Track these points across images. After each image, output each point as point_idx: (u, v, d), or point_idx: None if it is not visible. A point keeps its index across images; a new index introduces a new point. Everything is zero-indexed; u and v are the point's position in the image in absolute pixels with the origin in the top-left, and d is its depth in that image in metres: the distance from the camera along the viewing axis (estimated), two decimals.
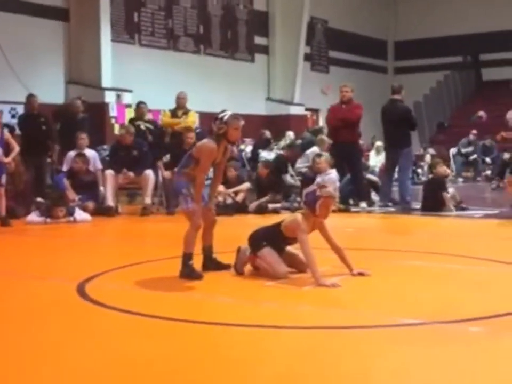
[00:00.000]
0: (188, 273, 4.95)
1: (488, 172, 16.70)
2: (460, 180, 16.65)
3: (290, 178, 11.32)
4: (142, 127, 10.92)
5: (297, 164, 11.76)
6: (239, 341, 3.41)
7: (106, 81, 14.90)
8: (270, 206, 10.10)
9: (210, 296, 4.46)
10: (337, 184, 10.36)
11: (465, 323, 3.61)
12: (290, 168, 11.52)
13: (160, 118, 12.06)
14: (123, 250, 7.02)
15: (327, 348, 3.25)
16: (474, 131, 17.70)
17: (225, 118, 5.04)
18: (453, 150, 18.13)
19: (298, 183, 11.04)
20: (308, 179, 11.15)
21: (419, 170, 16.41)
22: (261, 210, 9.92)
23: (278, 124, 16.54)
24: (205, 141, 5.13)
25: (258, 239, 5.01)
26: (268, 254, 4.90)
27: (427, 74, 23.68)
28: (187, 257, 5.01)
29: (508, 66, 23.25)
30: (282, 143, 13.61)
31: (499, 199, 12.12)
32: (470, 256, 5.84)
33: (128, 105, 14.50)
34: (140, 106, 11.45)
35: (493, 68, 23.91)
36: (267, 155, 13.03)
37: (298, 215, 4.88)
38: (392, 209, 10.05)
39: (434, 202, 9.63)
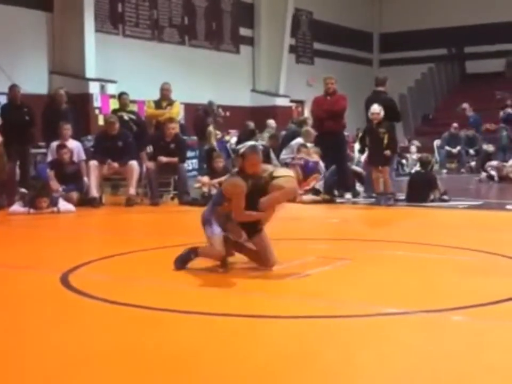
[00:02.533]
0: (179, 261, 4.81)
1: (472, 164, 16.79)
2: (444, 171, 16.73)
3: (275, 161, 11.34)
4: (125, 117, 10.88)
5: (282, 154, 11.77)
6: (221, 330, 3.40)
7: (90, 72, 14.81)
8: None
9: (194, 286, 4.45)
10: (323, 175, 10.39)
11: (448, 312, 3.63)
12: (273, 157, 11.53)
13: (144, 109, 12.01)
14: (107, 240, 6.99)
15: (310, 338, 3.25)
16: (455, 124, 17.79)
17: (242, 151, 4.73)
18: (436, 142, 18.21)
19: None
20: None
21: (404, 162, 16.47)
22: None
23: (263, 115, 16.50)
24: (232, 180, 4.77)
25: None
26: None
27: (412, 66, 23.75)
28: (193, 254, 4.83)
29: (491, 59, 23.37)
30: (266, 134, 13.60)
31: (483, 190, 12.22)
32: (453, 246, 5.87)
33: (113, 96, 14.43)
34: (122, 97, 11.42)
35: (477, 60, 24.03)
36: None
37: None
38: (376, 200, 10.06)
39: (420, 194, 9.69)
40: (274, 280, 4.57)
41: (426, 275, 4.75)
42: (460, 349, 3.02)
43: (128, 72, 15.37)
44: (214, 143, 12.30)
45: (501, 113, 17.18)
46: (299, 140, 11.73)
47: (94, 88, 14.73)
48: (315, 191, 10.29)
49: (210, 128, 12.69)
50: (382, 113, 9.59)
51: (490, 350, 3.01)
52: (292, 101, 20.45)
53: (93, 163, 9.83)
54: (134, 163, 9.86)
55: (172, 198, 10.57)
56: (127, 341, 3.22)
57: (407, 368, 2.78)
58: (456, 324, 3.47)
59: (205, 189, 10.15)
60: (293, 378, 2.67)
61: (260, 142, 13.21)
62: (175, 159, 10.02)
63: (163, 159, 9.96)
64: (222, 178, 10.14)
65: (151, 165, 10.05)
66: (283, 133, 13.76)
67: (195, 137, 13.35)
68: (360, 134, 10.62)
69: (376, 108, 9.62)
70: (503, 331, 3.36)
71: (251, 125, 14.39)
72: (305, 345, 3.09)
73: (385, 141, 9.56)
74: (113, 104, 13.48)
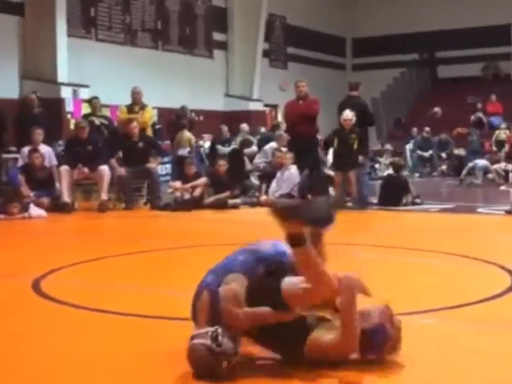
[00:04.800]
0: None
1: (444, 167, 16.97)
2: (416, 175, 16.88)
3: (249, 165, 11.41)
4: (97, 122, 10.84)
5: (256, 159, 11.79)
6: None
7: (62, 77, 14.68)
8: (230, 201, 10.11)
9: (169, 291, 4.44)
10: (297, 181, 10.41)
11: (419, 315, 3.65)
12: (247, 161, 11.59)
13: (117, 114, 11.98)
14: (79, 246, 6.94)
15: None
16: (427, 128, 17.98)
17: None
18: (409, 146, 18.37)
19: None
20: (266, 174, 11.23)
21: (376, 166, 16.59)
22: (220, 205, 9.91)
23: (237, 120, 16.50)
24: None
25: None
26: None
27: (385, 71, 23.93)
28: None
29: (462, 64, 23.65)
30: (239, 138, 13.63)
31: (455, 194, 12.36)
32: (424, 249, 5.92)
33: (85, 101, 14.32)
34: (93, 101, 11.38)
35: (448, 65, 24.30)
36: (225, 150, 13.03)
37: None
38: (350, 204, 10.13)
39: (392, 198, 9.78)
40: None
41: (397, 278, 4.79)
42: (430, 352, 3.04)
43: (100, 77, 15.27)
44: (188, 149, 12.23)
45: (472, 117, 17.42)
46: (272, 144, 11.76)
47: (66, 92, 14.60)
48: (289, 196, 10.32)
49: (186, 133, 12.64)
50: (354, 119, 9.67)
51: (460, 353, 3.04)
52: (265, 105, 20.49)
53: (64, 168, 9.75)
54: (104, 168, 9.81)
55: (145, 203, 10.53)
56: (99, 346, 3.20)
57: (377, 370, 2.79)
58: (427, 327, 3.50)
59: (178, 194, 10.16)
60: None
61: (233, 146, 13.27)
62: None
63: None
64: (194, 183, 10.19)
65: (122, 170, 10.02)
66: (257, 137, 13.78)
67: (169, 142, 13.31)
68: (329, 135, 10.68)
69: (348, 114, 9.70)
70: (473, 333, 3.40)
71: (224, 129, 14.38)
72: None
73: (355, 146, 9.65)
74: (86, 108, 13.39)
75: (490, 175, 13.65)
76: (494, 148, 16.17)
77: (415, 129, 18.17)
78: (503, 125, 17.28)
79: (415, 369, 2.79)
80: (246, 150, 12.46)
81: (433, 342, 3.19)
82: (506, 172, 13.43)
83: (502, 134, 16.44)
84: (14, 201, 8.67)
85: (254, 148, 12.78)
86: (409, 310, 3.73)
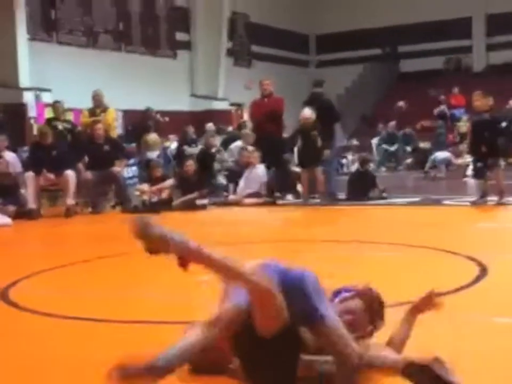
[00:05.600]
0: None
1: (409, 161, 17.13)
2: (383, 169, 17.03)
3: (217, 164, 11.41)
4: (60, 127, 10.73)
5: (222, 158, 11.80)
6: (157, 339, 3.38)
7: (24, 81, 14.49)
8: (198, 202, 10.08)
9: (136, 295, 4.41)
10: (265, 179, 10.43)
11: (392, 308, 3.67)
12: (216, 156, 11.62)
13: (80, 118, 11.90)
14: (46, 253, 6.86)
15: None
16: (392, 122, 18.14)
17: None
18: (374, 141, 18.52)
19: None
20: (233, 173, 11.23)
21: (344, 161, 16.69)
22: (188, 206, 9.88)
23: (203, 120, 16.47)
24: None
25: None
26: None
27: (349, 67, 24.07)
28: None
29: (425, 58, 23.91)
30: (205, 138, 13.60)
31: (421, 187, 12.50)
32: (392, 243, 5.98)
33: (48, 105, 14.16)
34: (55, 105, 11.26)
35: (411, 59, 24.55)
36: (192, 150, 13.00)
37: None
38: (318, 200, 10.19)
39: (360, 192, 9.89)
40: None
41: (366, 272, 4.82)
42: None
43: (63, 80, 15.09)
44: (157, 152, 12.13)
45: (436, 111, 17.62)
46: (238, 143, 11.77)
47: (28, 97, 14.42)
48: (258, 195, 10.34)
49: (153, 135, 12.55)
50: (314, 116, 9.76)
51: (433, 344, 3.06)
52: (231, 104, 20.47)
53: (29, 174, 9.64)
54: (69, 173, 9.72)
55: (113, 206, 10.46)
56: (70, 353, 3.17)
57: None
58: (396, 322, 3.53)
59: (145, 197, 10.12)
60: None
61: (200, 146, 13.23)
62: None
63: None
64: (161, 185, 10.15)
65: (88, 174, 9.94)
66: (223, 136, 13.77)
67: (134, 144, 13.22)
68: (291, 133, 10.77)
69: (307, 112, 9.79)
70: (443, 324, 3.43)
71: (190, 129, 14.33)
72: None
73: (318, 143, 9.74)
74: (49, 113, 13.24)
75: (452, 168, 13.82)
76: (458, 140, 16.36)
77: (380, 125, 18.32)
78: (464, 118, 17.52)
79: None
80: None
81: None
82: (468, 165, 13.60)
83: (463, 126, 16.66)
84: None
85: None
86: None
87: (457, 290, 4.11)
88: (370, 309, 2.67)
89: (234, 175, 11.08)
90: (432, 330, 3.28)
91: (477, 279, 4.41)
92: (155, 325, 3.64)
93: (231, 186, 10.92)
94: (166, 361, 2.28)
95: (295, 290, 2.37)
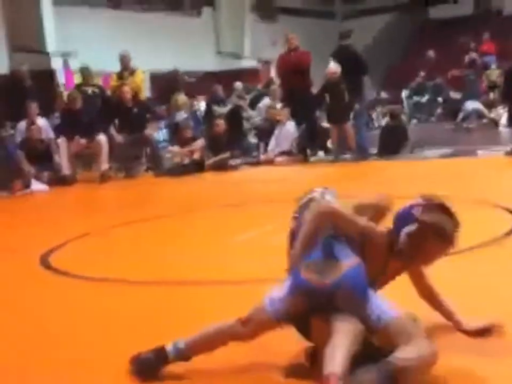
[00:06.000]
0: None
1: (440, 111, 16.87)
2: (414, 121, 16.82)
3: (246, 123, 11.36)
4: (89, 92, 10.75)
5: (252, 117, 11.76)
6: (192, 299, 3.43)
7: (51, 46, 14.53)
8: (230, 162, 10.10)
9: (180, 256, 4.47)
10: (295, 137, 10.37)
11: None
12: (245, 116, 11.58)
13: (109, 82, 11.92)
14: (83, 218, 6.95)
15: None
16: (422, 73, 17.80)
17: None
18: (404, 92, 18.24)
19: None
20: (263, 131, 11.19)
21: (374, 115, 16.50)
22: (221, 166, 9.90)
23: (231, 79, 16.37)
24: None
25: None
26: None
27: (376, 17, 23.60)
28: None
29: (453, 4, 23.34)
30: (234, 97, 13.54)
31: (453, 138, 12.32)
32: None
33: (76, 71, 14.20)
34: (83, 70, 11.27)
35: (439, 5, 23.99)
36: (221, 110, 12.96)
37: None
38: (349, 155, 10.14)
39: (392, 147, 9.79)
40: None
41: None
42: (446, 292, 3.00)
43: (89, 44, 15.08)
44: (185, 113, 12.10)
45: (466, 59, 17.24)
46: (266, 101, 11.71)
47: (56, 63, 14.47)
48: (288, 152, 10.31)
49: (181, 96, 12.51)
50: (339, 70, 9.64)
51: (471, 293, 3.06)
52: (258, 61, 20.28)
53: (62, 140, 9.73)
54: (102, 138, 9.77)
55: (146, 170, 10.54)
56: (113, 316, 3.24)
57: None
58: (440, 269, 3.53)
59: (177, 159, 10.15)
60: None
61: (229, 105, 13.18)
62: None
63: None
64: (192, 147, 10.17)
65: (120, 138, 9.99)
66: (250, 95, 13.68)
67: (163, 107, 13.22)
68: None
69: (332, 67, 9.67)
70: (483, 274, 3.44)
71: (219, 89, 14.27)
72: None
73: (346, 98, 9.62)
74: (77, 78, 13.28)
75: (485, 120, 13.58)
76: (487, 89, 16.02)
77: (422, 74, 17.77)
78: (493, 66, 17.10)
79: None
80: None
81: (448, 283, 3.19)
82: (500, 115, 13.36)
83: (493, 75, 16.30)
84: (15, 178, 8.67)
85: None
86: None
87: (493, 240, 4.10)
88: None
89: (263, 133, 11.04)
90: (472, 280, 3.29)
91: None
92: (191, 286, 3.70)
93: (261, 145, 10.88)
94: (185, 345, 2.41)
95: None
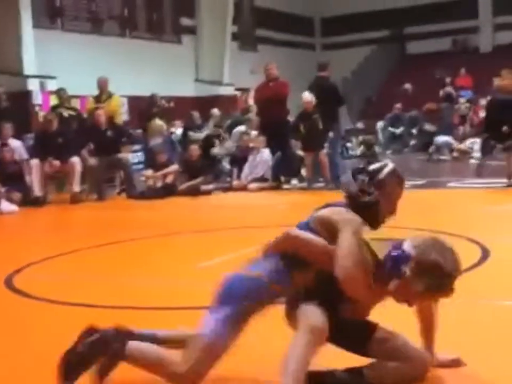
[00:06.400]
0: None
1: (414, 143, 17.05)
2: (388, 152, 16.97)
3: (218, 150, 11.40)
4: (65, 114, 10.73)
5: (226, 143, 11.80)
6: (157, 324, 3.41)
7: (28, 69, 14.49)
8: (203, 187, 10.10)
9: (144, 280, 4.44)
10: (270, 164, 10.42)
11: None
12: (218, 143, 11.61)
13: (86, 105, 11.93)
14: (52, 240, 6.90)
15: None
16: (398, 105, 18.04)
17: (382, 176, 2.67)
18: (380, 124, 18.44)
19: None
20: (236, 158, 11.23)
21: (349, 145, 16.62)
22: (194, 191, 9.90)
23: (208, 105, 16.43)
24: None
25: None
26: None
27: (355, 49, 23.94)
28: None
29: (431, 39, 23.76)
30: (211, 122, 13.59)
31: (425, 170, 12.46)
32: (396, 226, 5.96)
33: (53, 92, 14.17)
34: (60, 93, 11.28)
35: (417, 41, 24.40)
36: (197, 136, 12.99)
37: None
38: (323, 184, 10.18)
39: None
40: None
41: None
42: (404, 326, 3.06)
43: (68, 68, 15.08)
44: (160, 139, 12.09)
45: (441, 92, 17.50)
46: (241, 128, 11.77)
47: (33, 85, 14.42)
48: (262, 179, 10.35)
49: (158, 121, 12.52)
50: (314, 100, 9.79)
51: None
52: (236, 89, 20.41)
53: (35, 161, 9.68)
54: (75, 160, 9.75)
55: (119, 193, 10.50)
56: (67, 338, 3.20)
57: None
58: None
59: (150, 182, 10.16)
60: None
61: (205, 131, 13.23)
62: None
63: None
64: (166, 171, 10.17)
65: (93, 161, 9.97)
66: (227, 122, 13.74)
67: (140, 131, 13.22)
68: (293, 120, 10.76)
69: (307, 96, 9.81)
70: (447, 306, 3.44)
71: (195, 114, 14.31)
72: None
73: (320, 127, 9.76)
74: (54, 100, 13.26)
75: (455, 154, 13.76)
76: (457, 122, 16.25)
77: (398, 106, 18.06)
78: (462, 99, 17.39)
79: None
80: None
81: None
82: (472, 148, 13.53)
83: (462, 108, 16.56)
84: None
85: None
86: None
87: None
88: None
89: (237, 160, 11.08)
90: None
91: (479, 262, 4.42)
92: (157, 311, 3.68)
93: (234, 171, 10.89)
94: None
95: None
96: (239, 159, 10.89)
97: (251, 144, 10.58)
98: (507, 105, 8.57)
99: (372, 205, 2.59)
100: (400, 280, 2.34)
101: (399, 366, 2.43)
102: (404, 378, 2.43)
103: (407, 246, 2.41)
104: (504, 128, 8.57)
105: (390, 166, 2.68)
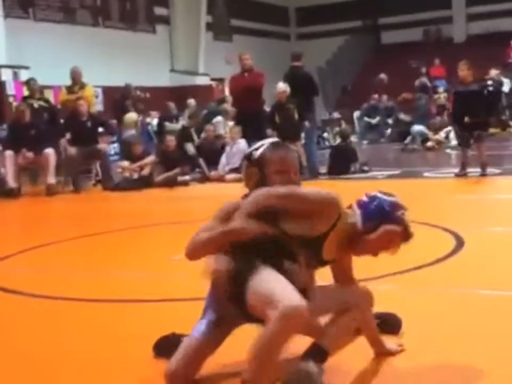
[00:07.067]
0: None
1: (390, 133, 17.14)
2: (364, 142, 17.05)
3: (191, 147, 11.32)
4: (35, 105, 10.58)
5: (203, 134, 11.75)
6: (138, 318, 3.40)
7: (1, 59, 14.30)
8: (179, 178, 10.06)
9: (120, 273, 4.41)
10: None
11: (374, 281, 3.71)
12: (195, 137, 11.51)
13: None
14: (27, 232, 6.84)
15: None
16: (375, 95, 18.11)
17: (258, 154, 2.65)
18: (356, 114, 18.50)
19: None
20: (204, 150, 11.19)
21: (325, 135, 16.67)
22: (170, 183, 9.86)
23: (184, 95, 16.36)
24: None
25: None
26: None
27: (329, 39, 23.98)
28: None
29: (405, 29, 23.88)
30: (186, 113, 13.53)
31: (401, 160, 12.54)
32: None
33: (24, 83, 14.00)
34: (30, 83, 11.12)
35: (391, 31, 24.51)
36: (173, 126, 12.93)
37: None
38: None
39: (341, 166, 9.94)
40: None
41: None
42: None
43: (41, 57, 14.91)
44: (133, 131, 12.00)
45: (417, 82, 17.59)
46: (219, 119, 11.72)
47: (6, 75, 14.24)
48: (238, 170, 10.33)
49: (131, 114, 12.42)
50: (288, 89, 9.80)
51: (416, 316, 3.08)
52: (212, 79, 20.34)
53: (8, 153, 9.57)
54: (49, 151, 9.64)
55: (94, 184, 10.43)
56: (52, 333, 3.18)
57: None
58: (383, 293, 3.56)
59: (126, 174, 10.09)
60: None
61: (181, 121, 13.18)
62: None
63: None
64: (142, 162, 10.12)
65: (73, 150, 9.88)
66: (204, 111, 13.70)
67: (115, 121, 13.12)
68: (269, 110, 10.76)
69: (281, 87, 9.82)
70: (419, 297, 3.48)
71: (171, 105, 14.24)
72: None
73: (296, 117, 9.76)
74: (27, 91, 13.09)
75: (429, 143, 13.85)
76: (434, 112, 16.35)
77: (375, 96, 18.15)
78: (441, 89, 17.52)
79: None
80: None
81: (392, 308, 3.23)
82: (447, 137, 13.65)
83: (441, 97, 16.67)
84: None
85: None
86: (365, 277, 3.79)
87: (433, 263, 4.16)
88: None
89: (204, 151, 11.04)
90: (407, 304, 3.33)
91: (453, 252, 4.46)
92: (133, 303, 3.66)
93: (201, 161, 10.79)
94: None
95: None
96: (206, 150, 10.86)
97: (227, 136, 10.57)
98: (467, 96, 8.73)
99: (257, 183, 2.60)
100: (398, 227, 2.64)
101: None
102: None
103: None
104: (466, 119, 8.71)
105: (266, 144, 2.69)
